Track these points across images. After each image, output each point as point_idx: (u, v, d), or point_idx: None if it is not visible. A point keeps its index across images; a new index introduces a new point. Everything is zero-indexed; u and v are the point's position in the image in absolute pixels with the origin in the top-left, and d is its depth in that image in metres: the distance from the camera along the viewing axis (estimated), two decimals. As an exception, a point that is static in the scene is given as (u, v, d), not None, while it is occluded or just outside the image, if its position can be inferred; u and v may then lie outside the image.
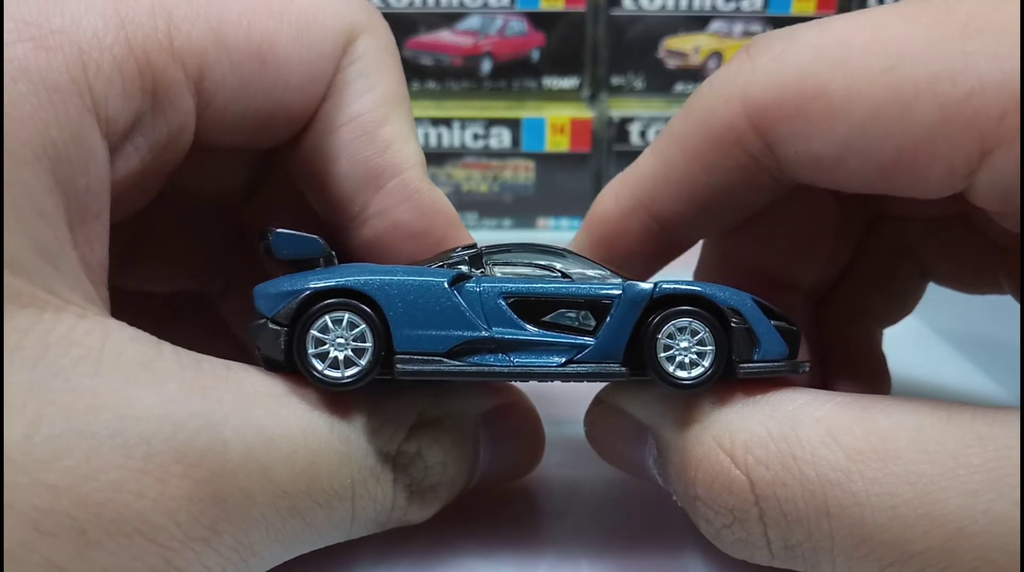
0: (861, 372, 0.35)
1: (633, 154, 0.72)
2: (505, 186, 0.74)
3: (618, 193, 0.30)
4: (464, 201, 0.74)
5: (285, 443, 0.23)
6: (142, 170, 0.25)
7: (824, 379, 0.33)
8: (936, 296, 0.38)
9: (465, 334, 0.26)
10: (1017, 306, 0.31)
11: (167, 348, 0.23)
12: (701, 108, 0.27)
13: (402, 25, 0.71)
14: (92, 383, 0.21)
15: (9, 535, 0.19)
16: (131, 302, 0.28)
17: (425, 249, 0.29)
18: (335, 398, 0.25)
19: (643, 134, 0.73)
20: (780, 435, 0.24)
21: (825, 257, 0.34)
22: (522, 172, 0.73)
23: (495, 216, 0.75)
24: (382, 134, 0.28)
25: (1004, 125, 0.21)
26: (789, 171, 0.26)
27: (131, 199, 0.27)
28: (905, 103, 0.22)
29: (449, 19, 0.73)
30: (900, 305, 0.37)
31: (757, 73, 0.25)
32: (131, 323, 0.24)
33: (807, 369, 0.27)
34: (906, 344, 0.37)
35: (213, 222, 0.36)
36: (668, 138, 0.28)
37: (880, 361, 0.36)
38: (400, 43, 0.73)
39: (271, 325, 0.26)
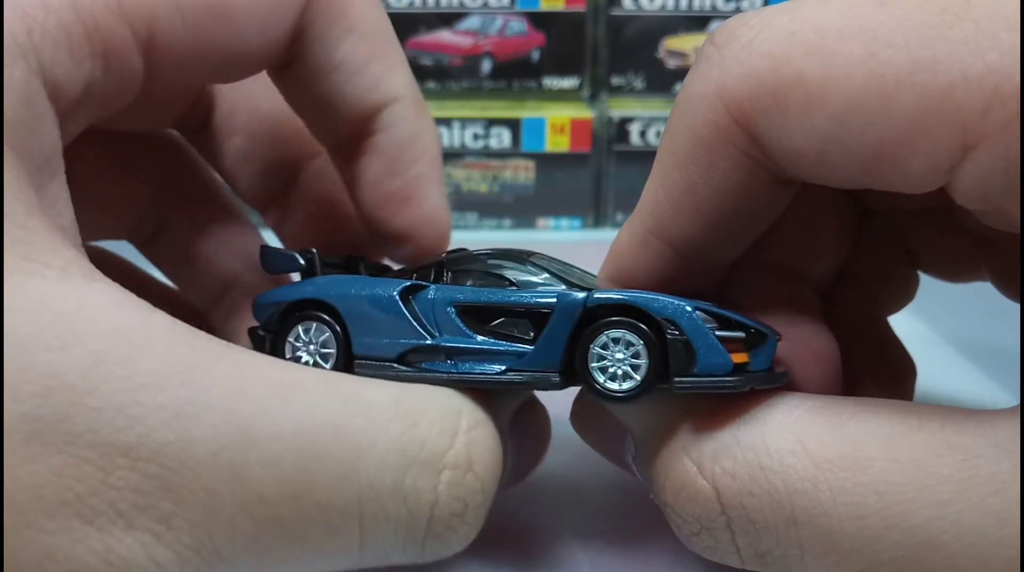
0: (887, 362, 0.35)
1: (633, 154, 0.73)
2: (505, 186, 0.74)
3: (629, 226, 0.28)
4: (464, 201, 0.74)
5: (270, 445, 0.21)
6: (88, 127, 0.25)
7: (851, 375, 0.33)
8: (941, 301, 0.38)
9: (411, 342, 0.27)
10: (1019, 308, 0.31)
11: (159, 318, 0.22)
12: (682, 114, 0.26)
13: (402, 25, 0.71)
14: (54, 359, 0.19)
15: None
16: None
17: (401, 178, 0.31)
18: (352, 396, 0.23)
19: (643, 134, 0.73)
20: (748, 444, 0.23)
21: (832, 248, 0.33)
22: (522, 172, 0.73)
23: (495, 216, 0.75)
24: (369, 72, 0.30)
25: (987, 120, 0.20)
26: (780, 165, 0.25)
27: None
28: (886, 93, 0.21)
29: (449, 19, 0.73)
30: (903, 294, 0.36)
31: (728, 64, 0.24)
32: None
33: (783, 381, 0.26)
34: (911, 349, 0.37)
35: (140, 163, 0.35)
36: (661, 157, 0.27)
37: (900, 347, 0.36)
38: (400, 43, 0.73)
39: (260, 332, 0.29)
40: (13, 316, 0.19)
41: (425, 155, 0.32)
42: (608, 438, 0.29)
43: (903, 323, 0.38)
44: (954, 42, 0.20)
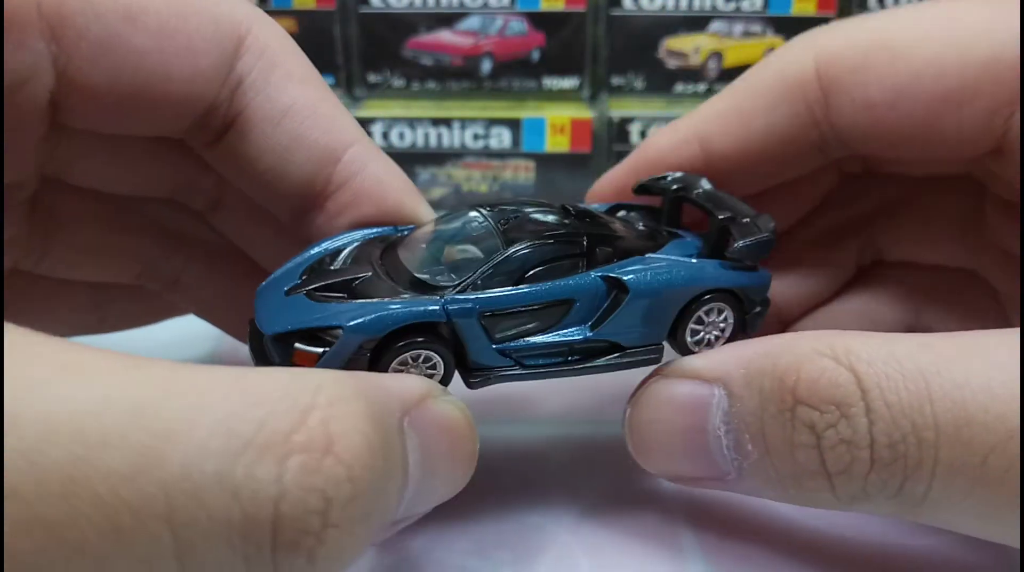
0: None
1: (633, 154, 0.72)
2: (505, 186, 0.74)
3: (677, 125, 0.34)
4: (464, 201, 0.74)
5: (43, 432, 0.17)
6: None
7: None
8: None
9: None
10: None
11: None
12: (776, 59, 0.32)
13: (402, 25, 0.71)
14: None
15: None
16: (57, 290, 0.32)
17: (383, 214, 0.31)
18: (172, 372, 0.19)
19: (643, 134, 0.73)
20: (877, 341, 0.25)
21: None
22: (522, 172, 0.73)
23: (495, 216, 0.75)
24: (322, 112, 0.30)
25: None
26: (837, 126, 0.30)
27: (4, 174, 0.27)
28: (963, 45, 0.28)
29: (449, 19, 0.73)
30: None
31: (831, 30, 0.31)
32: (53, 312, 0.28)
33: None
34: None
35: (144, 219, 0.36)
36: (739, 82, 0.33)
37: None
38: (400, 43, 0.73)
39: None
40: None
41: (404, 183, 0.31)
42: (685, 417, 0.28)
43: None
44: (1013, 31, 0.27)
